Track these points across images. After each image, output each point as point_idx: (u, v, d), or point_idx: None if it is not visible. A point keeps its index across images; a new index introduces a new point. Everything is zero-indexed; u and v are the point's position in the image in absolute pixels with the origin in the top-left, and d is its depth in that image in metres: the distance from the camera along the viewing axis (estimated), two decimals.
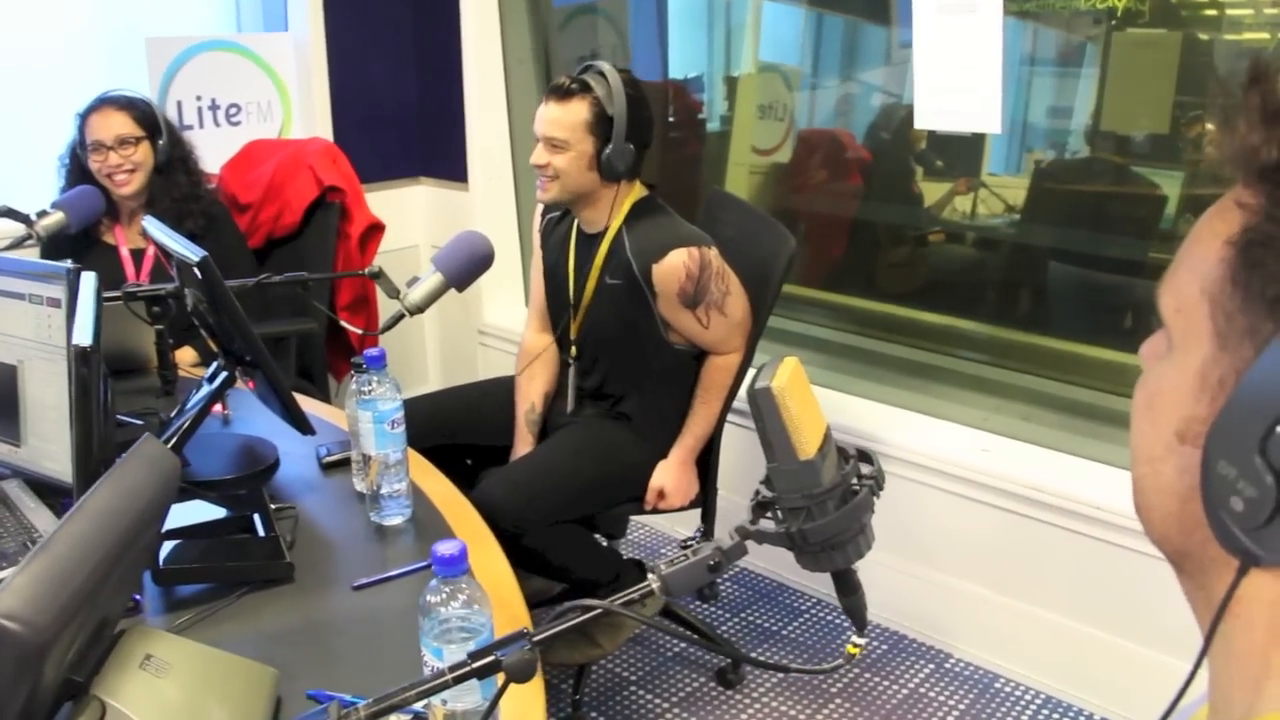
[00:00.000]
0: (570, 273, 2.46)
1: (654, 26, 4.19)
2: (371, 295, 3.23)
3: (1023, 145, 3.28)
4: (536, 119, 2.33)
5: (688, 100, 4.24)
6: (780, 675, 2.72)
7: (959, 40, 2.56)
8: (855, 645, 0.96)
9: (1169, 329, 0.63)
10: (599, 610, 0.86)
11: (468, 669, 0.85)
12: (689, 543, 0.95)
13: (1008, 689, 2.68)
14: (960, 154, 3.49)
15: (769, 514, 0.91)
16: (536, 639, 0.85)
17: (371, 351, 1.65)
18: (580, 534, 2.41)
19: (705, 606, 3.03)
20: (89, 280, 1.63)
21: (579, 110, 2.28)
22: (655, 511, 2.49)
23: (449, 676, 0.86)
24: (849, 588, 0.96)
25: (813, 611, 3.03)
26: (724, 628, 2.94)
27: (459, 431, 2.54)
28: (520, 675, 0.84)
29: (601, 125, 2.28)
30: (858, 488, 0.90)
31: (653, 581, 0.88)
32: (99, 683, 1.07)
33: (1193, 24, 2.85)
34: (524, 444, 2.52)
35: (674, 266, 2.27)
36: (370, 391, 1.64)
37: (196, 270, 1.62)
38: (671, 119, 4.20)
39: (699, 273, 2.27)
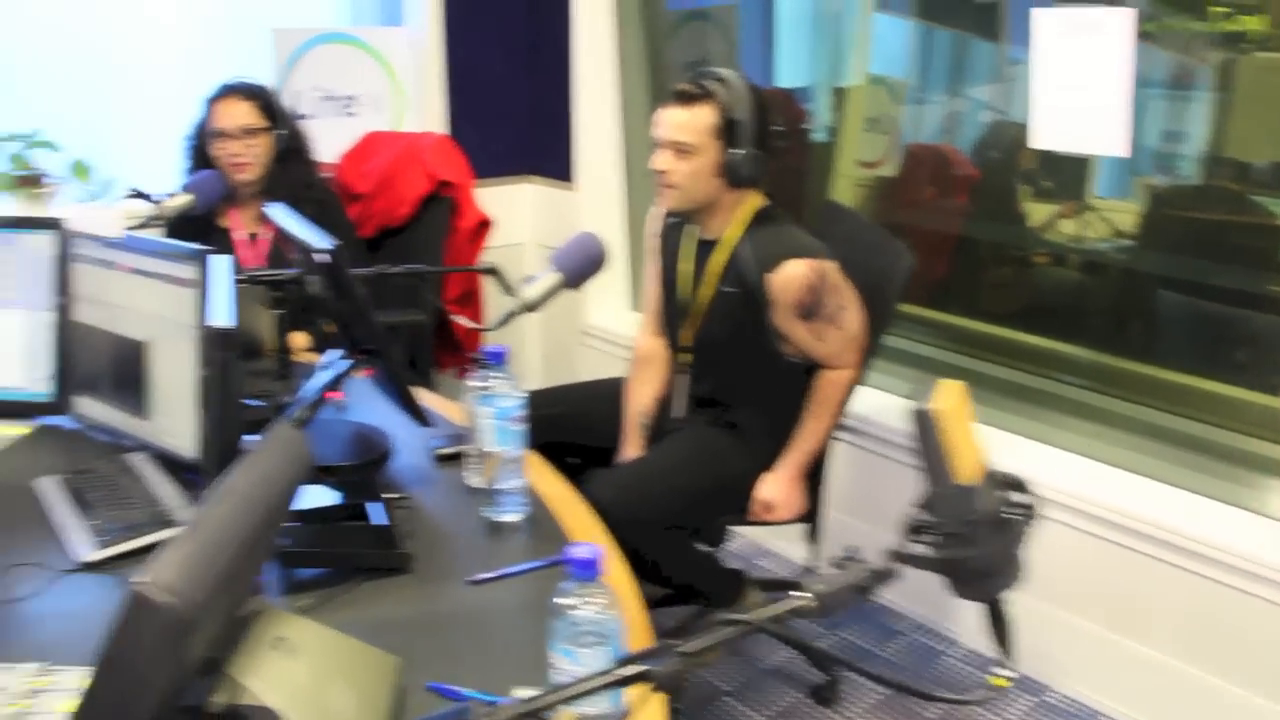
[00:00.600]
0: (687, 278, 2.44)
1: (762, 35, 4.17)
2: (479, 291, 3.25)
3: (1133, 168, 3.20)
4: (657, 123, 2.32)
5: (794, 110, 4.20)
6: (877, 696, 2.67)
7: (1082, 60, 2.50)
8: (1002, 677, 0.92)
9: None
10: (752, 626, 0.84)
11: (616, 677, 0.84)
12: (842, 561, 0.92)
13: None
14: (1069, 175, 3.41)
15: (923, 538, 0.88)
16: (687, 651, 0.83)
17: (494, 347, 1.65)
18: (685, 540, 2.39)
19: (801, 621, 2.99)
20: (222, 263, 1.65)
21: (705, 115, 2.26)
22: (759, 523, 2.46)
23: (598, 683, 0.84)
24: (999, 618, 0.92)
25: (911, 634, 2.97)
26: (820, 644, 2.90)
27: (566, 430, 2.53)
28: (669, 687, 0.82)
29: (727, 130, 2.26)
30: (1013, 516, 0.87)
31: (809, 600, 0.86)
32: (233, 662, 1.07)
33: None
34: (633, 447, 2.51)
35: (792, 277, 2.24)
36: (492, 387, 1.64)
37: (326, 258, 1.64)
38: (777, 128, 4.16)
39: (817, 285, 2.24)
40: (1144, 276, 3.24)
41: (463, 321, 2.45)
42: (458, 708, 0.83)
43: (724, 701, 2.66)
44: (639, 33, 3.88)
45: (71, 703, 1.24)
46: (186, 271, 1.79)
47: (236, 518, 1.02)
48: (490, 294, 3.37)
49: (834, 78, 4.06)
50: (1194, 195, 3.08)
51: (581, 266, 2.11)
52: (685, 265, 2.45)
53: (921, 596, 2.96)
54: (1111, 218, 3.29)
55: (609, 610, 1.10)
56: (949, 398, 0.83)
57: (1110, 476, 2.72)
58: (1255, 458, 2.67)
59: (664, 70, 3.94)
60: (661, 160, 2.30)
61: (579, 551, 1.08)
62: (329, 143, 3.22)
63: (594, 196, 3.83)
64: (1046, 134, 2.62)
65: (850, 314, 2.31)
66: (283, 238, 2.80)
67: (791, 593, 0.89)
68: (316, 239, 1.68)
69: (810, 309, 2.26)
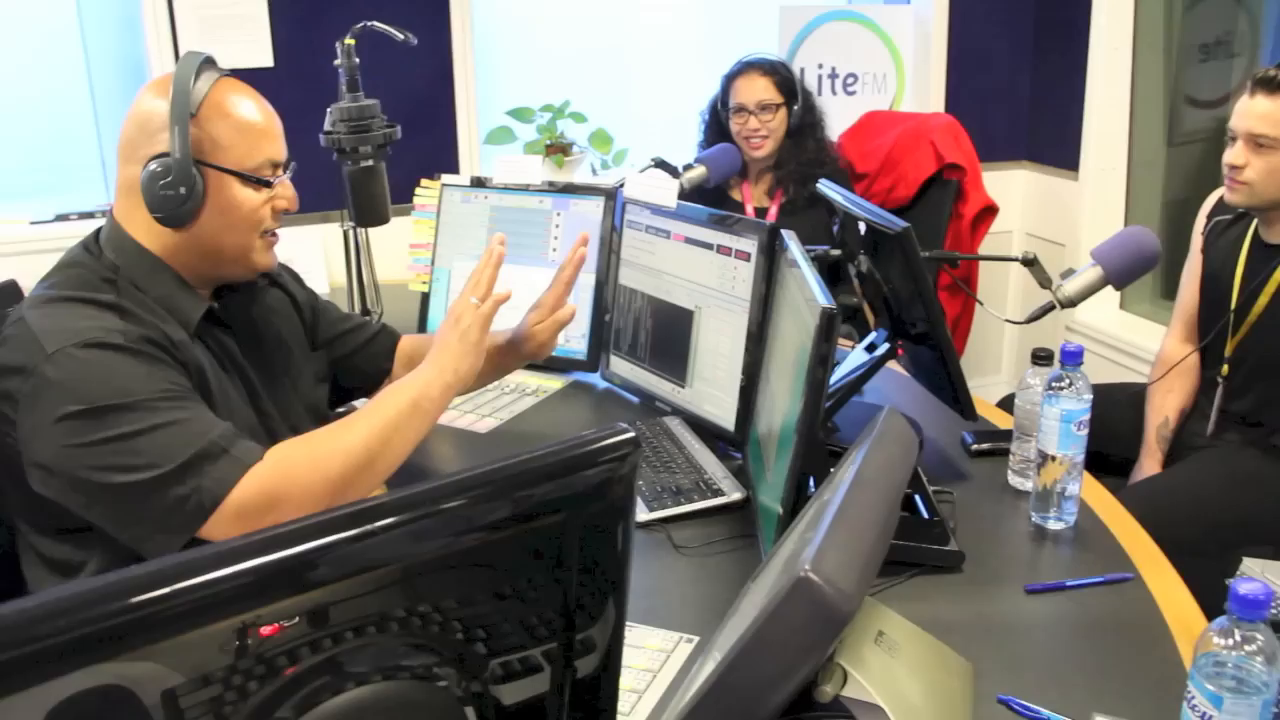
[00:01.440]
0: (1236, 283, 2.21)
1: None
2: (974, 279, 3.13)
3: None
4: (1238, 113, 2.10)
5: None
6: None
7: None
8: None
9: None
10: None
11: None
12: None
13: None
14: None
15: None
16: None
17: (1071, 345, 1.55)
18: (1208, 569, 2.18)
19: None
20: (793, 239, 1.66)
21: None
22: None
23: None
24: None
25: None
26: None
27: None
28: None
29: None
30: None
31: None
32: (842, 649, 1.06)
33: None
34: (1152, 459, 2.32)
35: None
36: (1064, 388, 1.54)
37: (896, 240, 1.61)
38: None
39: None
40: None
41: (993, 313, 2.35)
42: None
43: None
44: (1161, 11, 3.58)
45: (642, 658, 1.29)
46: (744, 244, 1.83)
47: (873, 509, 1.00)
48: (992, 284, 3.24)
49: None
50: None
51: (1131, 264, 1.96)
52: (1237, 268, 2.22)
53: None
54: None
55: (1261, 659, 0.99)
56: None
57: None
58: None
59: (1178, 52, 3.62)
60: (1236, 154, 2.09)
61: (1244, 588, 0.97)
62: (831, 120, 3.22)
63: (1096, 187, 3.58)
64: None
65: None
66: (794, 208, 2.85)
67: None
68: (884, 219, 1.65)
69: None
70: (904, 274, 1.68)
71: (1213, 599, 2.07)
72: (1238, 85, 3.66)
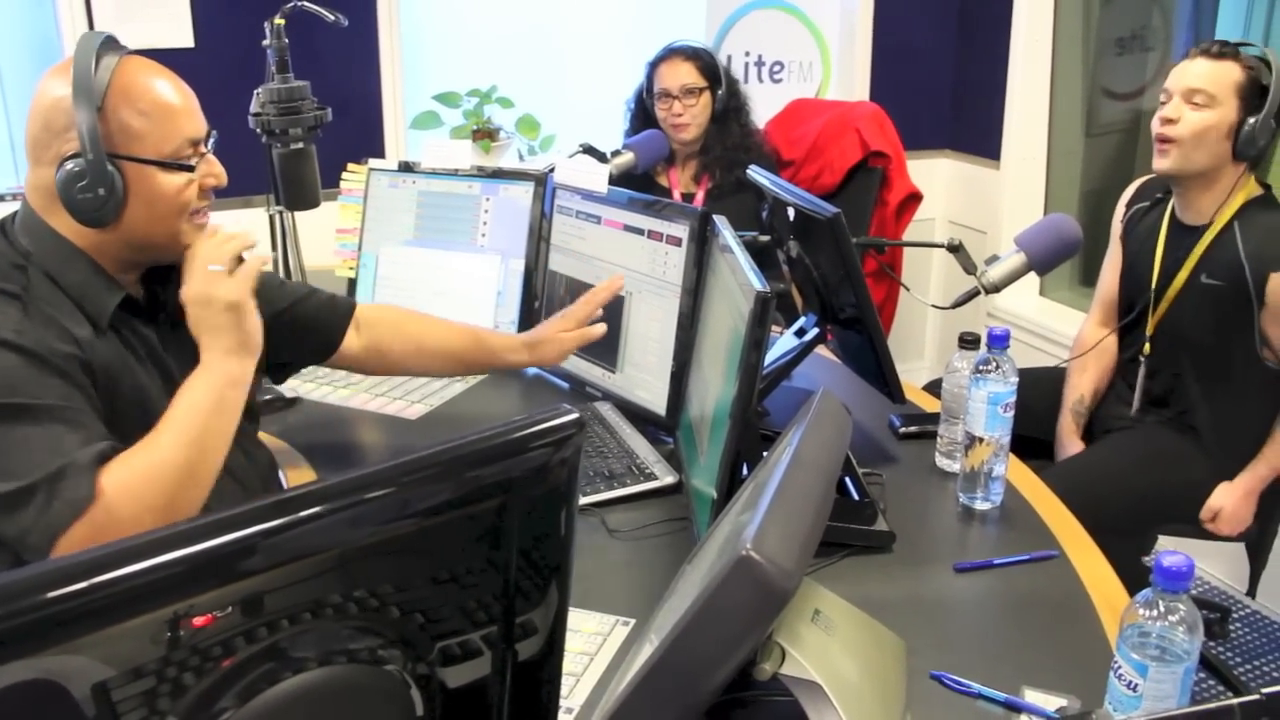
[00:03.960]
0: (1156, 264, 2.26)
1: (1194, 6, 3.82)
2: (898, 266, 3.17)
3: None
4: (1175, 74, 2.14)
5: None
6: None
7: None
8: None
9: None
10: None
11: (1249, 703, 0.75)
12: None
13: None
14: None
15: None
16: None
17: (997, 329, 1.58)
18: (1131, 548, 2.24)
19: (1213, 645, 2.75)
20: (724, 224, 1.66)
21: (1231, 70, 2.08)
22: (1202, 535, 2.27)
23: (1237, 712, 0.76)
24: None
25: None
26: (1234, 673, 2.67)
27: None
28: None
29: (1252, 93, 2.07)
30: None
31: None
32: (780, 628, 1.07)
33: None
34: (1069, 435, 2.37)
35: None
36: (990, 370, 1.57)
37: (826, 226, 1.62)
38: None
39: None
40: None
41: (920, 299, 2.38)
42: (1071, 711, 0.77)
43: None
44: (1079, 4, 3.65)
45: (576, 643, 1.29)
46: (676, 229, 1.83)
47: (809, 489, 1.01)
48: (915, 271, 3.29)
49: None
50: None
51: (1053, 250, 2.00)
52: (1156, 251, 2.27)
53: None
54: None
55: (1183, 630, 1.01)
56: None
57: None
58: None
59: (1095, 44, 3.70)
60: (1172, 108, 2.12)
61: (1169, 560, 0.99)
62: (757, 108, 3.24)
63: (1017, 176, 3.65)
64: None
65: None
66: (721, 193, 2.86)
67: None
68: (814, 205, 1.66)
69: None
70: (833, 259, 1.69)
71: (1133, 575, 2.13)
72: (1152, 78, 3.75)
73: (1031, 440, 2.42)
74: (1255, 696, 0.77)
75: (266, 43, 2.11)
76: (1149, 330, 2.28)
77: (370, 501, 0.64)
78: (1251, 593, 2.42)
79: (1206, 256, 2.16)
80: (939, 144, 3.90)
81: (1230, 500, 2.21)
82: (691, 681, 0.91)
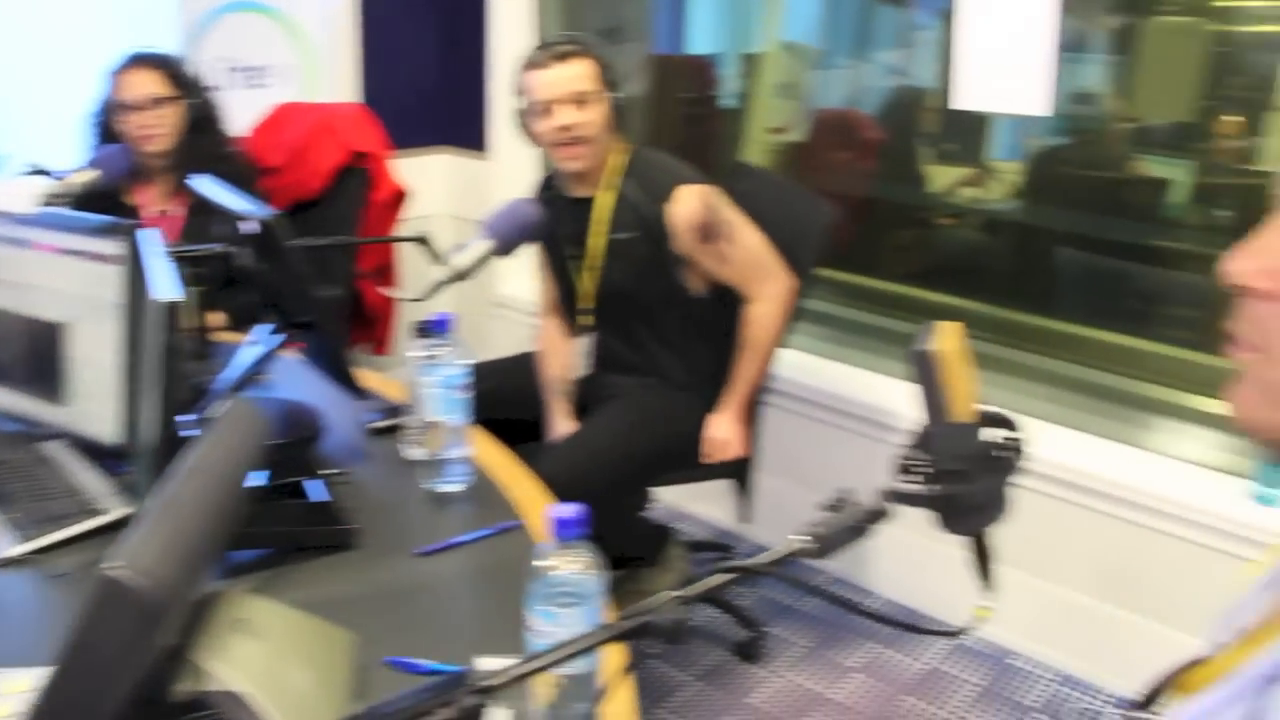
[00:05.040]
0: (566, 240, 2.46)
1: (674, 1, 4.17)
2: (396, 263, 3.20)
3: (1032, 131, 3.29)
4: (543, 86, 2.31)
5: (705, 76, 4.22)
6: (799, 650, 2.73)
7: (1008, 17, 2.55)
8: (985, 609, 0.96)
9: None
10: (752, 570, 0.86)
11: (621, 629, 0.84)
12: (833, 505, 0.94)
13: (1026, 667, 2.70)
14: (969, 138, 3.50)
15: (914, 476, 0.90)
16: (687, 597, 0.84)
17: (438, 315, 1.64)
18: (625, 510, 2.41)
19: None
20: (152, 237, 1.60)
21: (585, 66, 2.31)
22: (708, 474, 2.50)
23: (603, 636, 0.84)
24: (984, 552, 0.96)
25: (829, 588, 3.03)
26: (744, 601, 2.95)
27: (501, 405, 2.52)
28: (672, 635, 0.83)
29: (605, 77, 2.33)
30: (1004, 452, 0.90)
31: (808, 541, 0.87)
32: (195, 647, 1.06)
33: (1217, 15, 2.87)
34: (561, 413, 2.51)
35: (685, 200, 2.30)
36: (437, 356, 1.62)
37: (260, 229, 1.61)
38: (689, 95, 4.18)
39: (708, 203, 2.31)
40: (1043, 234, 3.34)
41: (390, 293, 2.41)
42: (452, 675, 0.82)
43: (651, 664, 2.69)
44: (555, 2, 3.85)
45: (7, 706, 1.21)
46: (110, 247, 1.74)
47: (202, 497, 1.00)
48: (410, 266, 3.32)
49: (745, 44, 4.08)
50: (1094, 155, 3.18)
51: (514, 232, 2.10)
52: (566, 229, 2.46)
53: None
54: (1011, 179, 3.39)
55: (588, 571, 1.11)
56: (948, 339, 0.85)
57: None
58: (1151, 401, 2.80)
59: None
60: (568, 114, 2.29)
61: (560, 511, 1.09)
62: (238, 116, 3.14)
63: (508, 167, 3.80)
64: (969, 95, 2.66)
65: (745, 231, 2.37)
66: (205, 209, 2.75)
67: (790, 536, 0.90)
68: (250, 208, 1.64)
69: (710, 230, 2.31)
70: (282, 264, 1.69)
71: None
72: (635, 68, 4.03)
73: (525, 422, 2.54)
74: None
75: None
76: (590, 303, 2.46)
77: None
78: (745, 520, 2.68)
79: (611, 216, 2.38)
80: (433, 140, 3.96)
81: (723, 428, 2.44)
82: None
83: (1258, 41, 2.84)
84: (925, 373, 0.84)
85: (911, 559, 2.83)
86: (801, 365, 3.06)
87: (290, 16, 3.56)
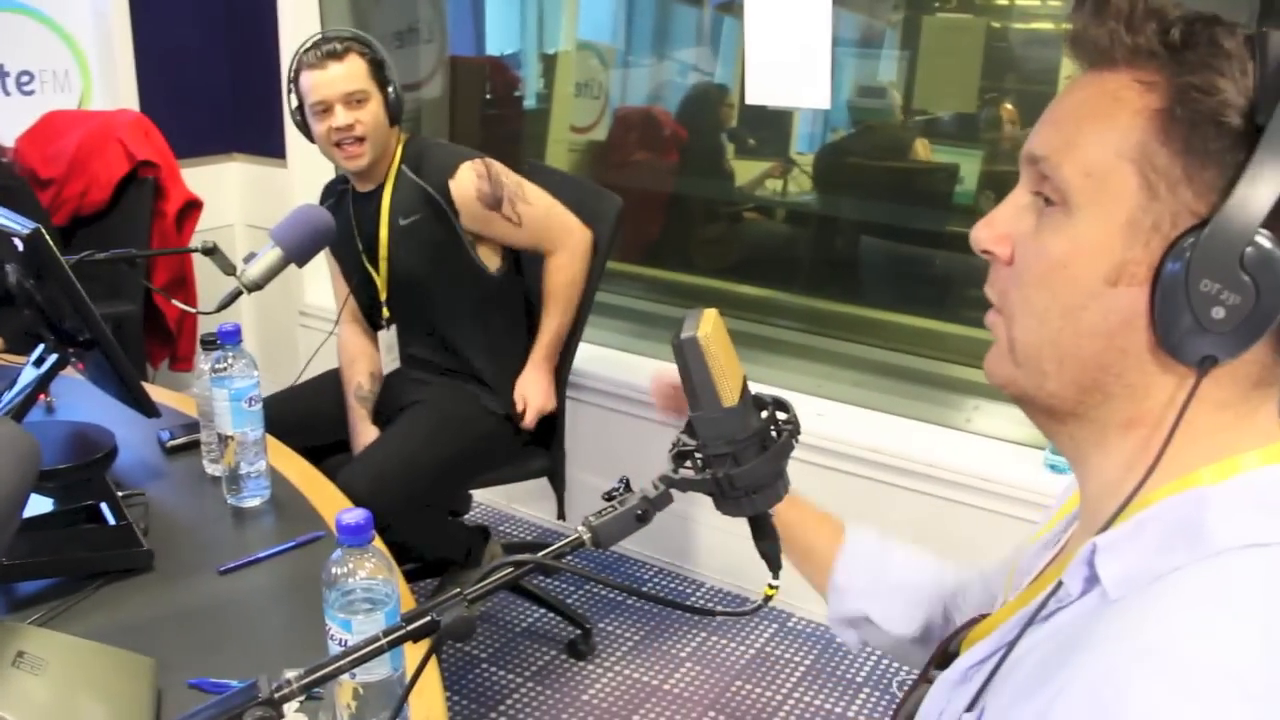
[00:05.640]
0: (358, 240, 2.43)
1: (471, 2, 4.14)
2: (190, 275, 3.07)
3: (830, 124, 3.41)
4: (317, 87, 2.28)
5: (505, 77, 4.21)
6: (629, 644, 2.75)
7: (790, 17, 2.62)
8: (772, 587, 0.97)
9: (1072, 194, 0.72)
10: (532, 565, 0.85)
11: (403, 631, 0.82)
12: (612, 494, 0.94)
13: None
14: (772, 132, 3.60)
15: (690, 463, 0.91)
16: (472, 596, 0.83)
17: (226, 326, 1.58)
18: (435, 515, 2.37)
19: (550, 581, 3.03)
20: None
21: (359, 63, 2.29)
22: (518, 475, 2.49)
23: (384, 641, 0.82)
24: (765, 532, 0.97)
25: (656, 580, 3.07)
26: (571, 600, 2.95)
27: (293, 433, 2.44)
28: (460, 634, 0.81)
29: (379, 72, 2.31)
30: (778, 434, 0.91)
31: (583, 533, 0.87)
32: None
33: (993, 12, 3.02)
34: (363, 422, 2.45)
35: (466, 174, 2.31)
36: (226, 368, 1.56)
37: (25, 243, 1.51)
38: (489, 96, 4.16)
39: (488, 172, 2.33)
40: (843, 224, 3.46)
41: (180, 306, 2.31)
42: (242, 687, 0.79)
43: (481, 668, 2.66)
44: (344, 2, 3.76)
45: None
46: None
47: None
48: (206, 278, 3.19)
49: (543, 44, 4.09)
50: (883, 147, 3.31)
51: (305, 239, 2.03)
52: (354, 226, 2.43)
53: (663, 544, 3.07)
54: (811, 171, 3.49)
55: (381, 575, 1.09)
56: (709, 325, 0.86)
57: (829, 410, 2.89)
58: (953, 381, 2.93)
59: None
60: (345, 115, 2.26)
61: (347, 518, 1.06)
62: (7, 123, 2.97)
63: (306, 173, 3.69)
64: (759, 90, 2.72)
65: (530, 189, 2.39)
66: None
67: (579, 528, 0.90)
68: (14, 221, 1.54)
69: (496, 196, 2.32)
70: (54, 280, 1.59)
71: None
72: (433, 69, 3.98)
73: (342, 443, 2.48)
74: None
75: None
76: (382, 295, 2.43)
77: None
78: (562, 516, 2.67)
79: (393, 205, 2.36)
80: (224, 148, 3.83)
81: (531, 384, 2.43)
82: None
83: (1033, 38, 3.00)
84: (689, 361, 0.85)
85: (731, 547, 2.88)
86: (613, 360, 3.08)
87: (58, 19, 3.38)
